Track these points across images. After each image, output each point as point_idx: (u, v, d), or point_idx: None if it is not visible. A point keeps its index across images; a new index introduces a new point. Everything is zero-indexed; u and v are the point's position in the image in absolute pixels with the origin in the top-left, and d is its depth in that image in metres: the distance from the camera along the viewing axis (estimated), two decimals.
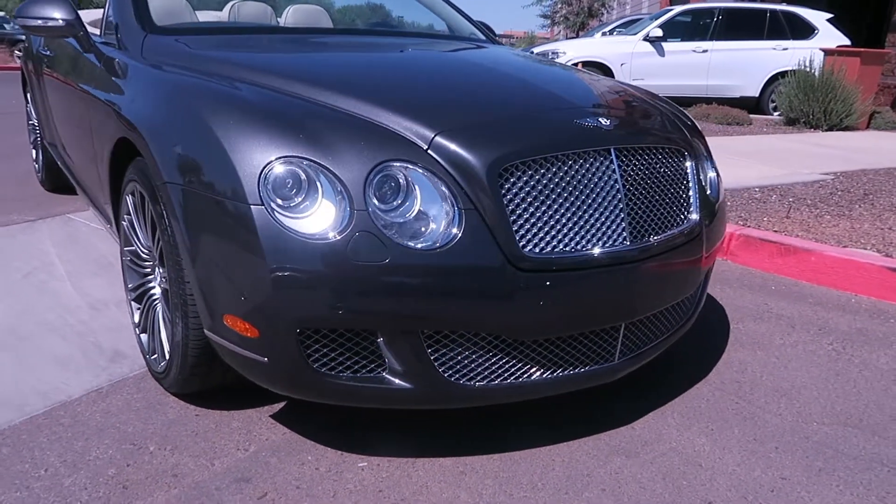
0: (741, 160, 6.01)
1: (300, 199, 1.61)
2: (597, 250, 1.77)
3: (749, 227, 3.83)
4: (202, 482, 1.74)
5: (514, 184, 1.71)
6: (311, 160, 1.61)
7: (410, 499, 1.72)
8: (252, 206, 1.59)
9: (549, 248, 1.72)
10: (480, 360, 1.74)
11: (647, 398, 2.23)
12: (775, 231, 3.77)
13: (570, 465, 1.88)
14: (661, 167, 2.00)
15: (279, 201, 1.60)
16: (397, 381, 1.69)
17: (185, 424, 1.98)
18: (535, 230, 1.71)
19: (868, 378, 2.43)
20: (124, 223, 2.22)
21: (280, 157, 1.61)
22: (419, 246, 1.61)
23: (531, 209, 1.71)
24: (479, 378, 1.75)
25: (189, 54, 2.18)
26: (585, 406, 2.17)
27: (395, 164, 1.65)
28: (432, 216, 1.65)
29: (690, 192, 2.08)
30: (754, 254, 3.59)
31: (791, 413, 2.19)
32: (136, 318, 2.24)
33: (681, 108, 2.61)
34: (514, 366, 1.78)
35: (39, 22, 2.55)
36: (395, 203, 1.65)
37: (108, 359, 2.32)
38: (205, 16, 3.23)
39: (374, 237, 1.58)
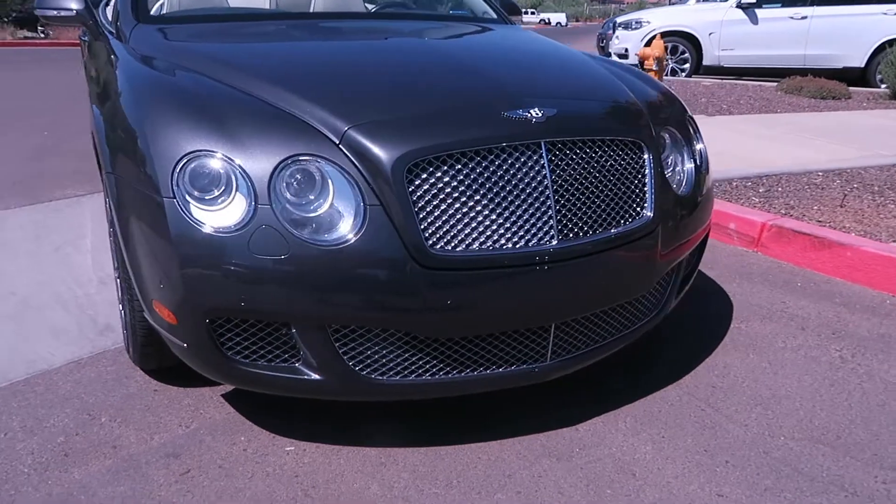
0: (816, 139, 5.55)
1: (218, 193, 1.65)
2: (517, 249, 1.71)
3: (788, 216, 3.55)
4: (136, 455, 1.86)
5: (424, 180, 1.67)
6: (223, 155, 1.65)
7: (321, 486, 1.76)
8: (165, 199, 1.65)
9: (461, 246, 1.68)
10: (393, 356, 1.74)
11: (605, 400, 2.15)
12: (818, 222, 3.48)
13: (494, 464, 1.86)
14: (606, 161, 1.89)
15: (196, 194, 1.65)
16: (310, 372, 1.73)
17: (142, 398, 2.11)
18: (446, 227, 1.67)
19: (866, 391, 2.22)
20: (106, 206, 2.36)
21: (194, 152, 1.66)
22: (321, 241, 1.62)
23: (443, 206, 1.68)
24: (392, 373, 1.75)
25: (161, 45, 2.26)
26: (533, 405, 2.12)
27: (304, 158, 1.66)
28: (338, 211, 1.65)
29: (646, 188, 1.96)
30: (786, 246, 3.33)
31: (760, 424, 2.05)
32: (119, 295, 2.39)
33: (670, 95, 2.44)
34: (430, 363, 1.77)
35: (54, 12, 2.73)
36: (303, 197, 1.66)
37: (98, 332, 2.50)
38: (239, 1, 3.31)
39: (275, 232, 1.60)
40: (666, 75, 10.43)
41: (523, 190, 1.74)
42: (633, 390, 2.21)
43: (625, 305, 2.00)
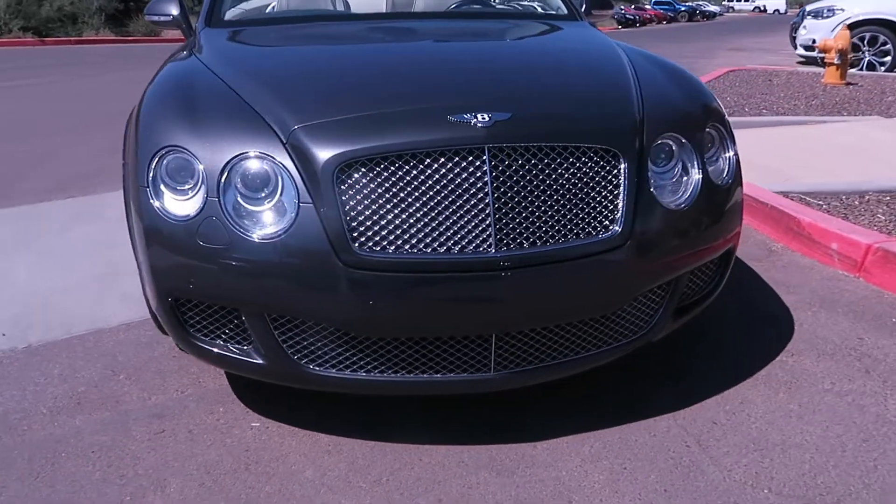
0: None
1: (188, 186, 1.82)
2: (450, 255, 1.69)
3: None
4: (130, 411, 2.10)
5: (355, 181, 1.70)
6: (189, 151, 1.81)
7: (263, 462, 1.87)
8: (140, 188, 1.85)
9: (389, 249, 1.69)
10: (330, 350, 1.80)
11: (585, 418, 2.03)
12: None
13: (430, 468, 1.85)
14: (567, 169, 1.78)
15: (171, 185, 1.83)
16: (257, 356, 1.84)
17: (159, 362, 2.37)
18: (375, 229, 1.69)
19: None
20: None
21: (168, 146, 1.84)
22: (256, 234, 1.72)
23: (373, 207, 1.69)
24: (330, 366, 1.81)
25: (207, 46, 2.49)
26: (509, 411, 2.06)
27: (252, 155, 1.77)
28: (283, 207, 1.74)
29: (617, 200, 1.81)
30: (893, 274, 2.85)
31: (746, 473, 1.82)
32: None
33: (700, 99, 2.21)
34: (367, 360, 1.80)
35: (157, 17, 3.11)
36: (254, 192, 1.77)
37: None
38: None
39: (219, 223, 1.73)
40: (860, 69, 9.20)
41: (461, 196, 1.70)
42: (622, 412, 2.07)
43: (591, 323, 1.87)
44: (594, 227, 1.79)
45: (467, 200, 1.70)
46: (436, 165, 1.71)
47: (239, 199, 1.77)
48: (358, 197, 1.70)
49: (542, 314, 1.77)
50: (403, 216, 1.70)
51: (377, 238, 1.69)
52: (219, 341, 1.88)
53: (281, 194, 1.75)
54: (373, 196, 1.70)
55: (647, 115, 1.97)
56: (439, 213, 1.70)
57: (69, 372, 2.32)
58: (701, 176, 1.98)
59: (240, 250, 1.72)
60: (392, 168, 1.71)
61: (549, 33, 2.72)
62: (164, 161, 1.84)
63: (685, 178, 1.98)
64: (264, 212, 1.75)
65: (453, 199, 1.70)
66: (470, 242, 1.70)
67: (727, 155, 2.12)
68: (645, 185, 1.86)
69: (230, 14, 2.96)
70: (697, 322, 2.51)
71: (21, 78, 10.56)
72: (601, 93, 2.04)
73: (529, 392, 2.13)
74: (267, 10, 3.33)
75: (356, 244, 1.68)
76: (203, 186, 1.77)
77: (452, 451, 1.91)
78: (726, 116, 2.24)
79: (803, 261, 3.22)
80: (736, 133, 2.31)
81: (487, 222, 1.70)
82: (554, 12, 3.14)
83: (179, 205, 1.80)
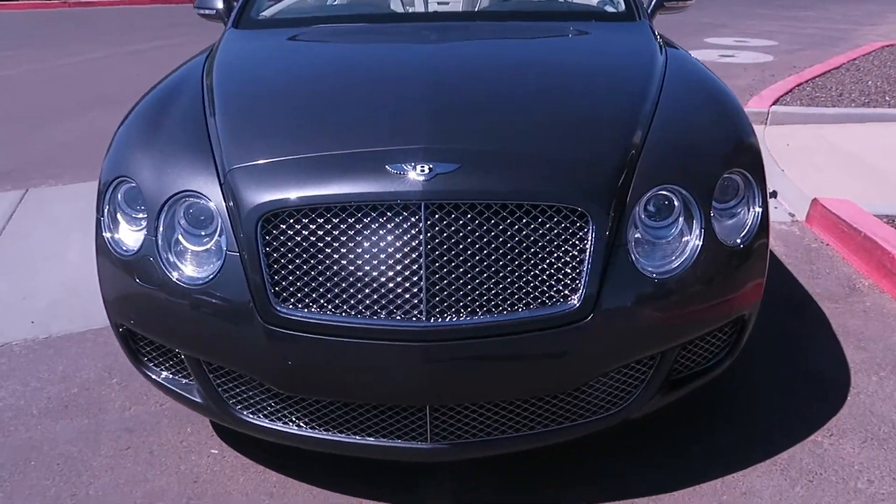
0: None
1: (141, 216, 1.78)
2: (374, 320, 1.52)
3: None
4: (106, 422, 2.14)
5: (281, 232, 1.57)
6: (137, 183, 1.75)
7: (206, 498, 1.84)
8: (97, 216, 1.82)
9: (312, 307, 1.55)
10: (261, 400, 1.71)
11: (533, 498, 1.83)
12: None
13: None
14: (519, 231, 1.54)
15: (127, 212, 1.79)
16: (197, 396, 1.79)
17: None
18: (298, 285, 1.56)
19: None
20: None
21: (119, 177, 1.80)
22: (183, 280, 1.64)
23: (296, 262, 1.56)
24: (262, 415, 1.73)
25: (222, 51, 2.40)
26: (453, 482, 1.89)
27: (189, 195, 1.68)
28: (206, 253, 1.66)
29: (581, 267, 1.54)
30: None
31: None
32: None
33: (738, 140, 1.86)
34: (297, 414, 1.69)
35: (205, 10, 3.09)
36: (195, 232, 1.69)
37: None
38: None
39: (153, 262, 1.67)
40: None
41: (391, 256, 1.52)
42: (590, 489, 1.84)
43: (548, 399, 1.64)
44: (548, 298, 1.55)
45: (398, 262, 1.52)
46: (366, 221, 1.54)
47: (181, 237, 1.70)
48: (281, 250, 1.57)
49: (480, 391, 1.57)
50: (328, 274, 1.55)
51: (299, 295, 1.56)
52: (165, 374, 1.86)
53: (219, 236, 1.66)
54: (297, 250, 1.56)
55: (643, 163, 1.67)
56: (366, 275, 1.53)
57: (72, 370, 2.41)
58: (701, 238, 1.65)
59: (169, 293, 1.65)
60: (319, 221, 1.56)
61: (578, 43, 2.40)
62: (120, 191, 1.80)
63: (684, 238, 1.67)
64: (201, 253, 1.68)
65: (382, 260, 1.53)
66: (398, 308, 1.53)
67: (752, 209, 1.77)
68: (621, 250, 1.58)
69: (269, 11, 2.88)
70: (724, 377, 2.18)
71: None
72: (586, 135, 1.75)
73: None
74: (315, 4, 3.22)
75: (277, 300, 1.57)
76: (146, 222, 1.72)
77: None
78: (761, 159, 1.87)
79: (892, 306, 2.72)
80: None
81: (419, 287, 1.52)
82: (612, 10, 2.78)
83: (133, 236, 1.76)
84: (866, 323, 2.60)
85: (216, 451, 2.02)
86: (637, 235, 1.64)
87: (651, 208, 1.68)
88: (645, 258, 1.63)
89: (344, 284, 1.54)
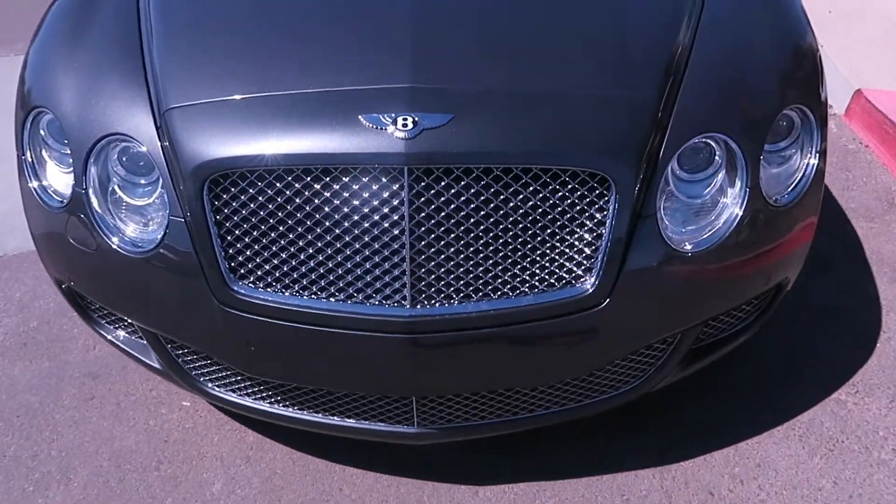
0: None
1: (49, 157, 1.47)
2: (349, 305, 1.28)
3: None
4: (68, 364, 1.96)
5: (233, 197, 1.28)
6: (58, 118, 1.42)
7: (176, 463, 1.70)
8: (17, 154, 1.52)
9: (275, 287, 1.30)
10: (226, 375, 1.51)
11: (535, 469, 1.69)
12: None
13: (342, 498, 1.62)
14: (525, 201, 1.25)
15: (55, 149, 1.49)
16: (157, 362, 1.59)
17: None
18: (257, 261, 1.30)
19: None
20: None
21: (38, 108, 1.46)
22: (123, 246, 1.37)
23: (254, 233, 1.29)
24: (229, 389, 1.54)
25: None
26: (443, 450, 1.74)
27: (120, 139, 1.37)
28: (151, 207, 1.38)
29: (598, 243, 1.27)
30: None
31: None
32: None
33: (794, 27, 1.50)
34: (268, 393, 1.50)
35: None
36: (131, 175, 1.40)
37: None
38: None
39: (85, 222, 1.39)
40: None
41: (369, 231, 1.25)
42: (588, 459, 1.69)
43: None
44: (557, 279, 1.29)
45: (377, 238, 1.25)
46: (336, 187, 1.25)
47: (117, 187, 1.41)
48: (235, 218, 1.29)
49: (475, 383, 1.37)
50: (292, 250, 1.28)
51: (259, 273, 1.31)
52: (120, 333, 1.64)
53: (163, 188, 1.36)
54: (253, 220, 1.28)
55: (681, 105, 1.34)
56: (337, 252, 1.27)
57: (29, 298, 2.20)
58: (744, 198, 1.36)
59: (107, 261, 1.39)
60: (278, 186, 1.26)
61: None
62: (41, 124, 1.48)
63: (723, 199, 1.38)
64: (145, 208, 1.40)
65: (359, 235, 1.25)
66: (377, 293, 1.28)
67: (807, 156, 1.46)
68: (648, 220, 1.30)
69: None
70: None
71: None
72: (609, 73, 1.39)
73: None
74: None
75: (234, 276, 1.31)
76: (70, 167, 1.42)
77: (380, 484, 1.66)
78: (824, 85, 1.53)
79: None
80: None
81: (402, 269, 1.26)
82: None
83: (63, 179, 1.47)
84: None
85: (187, 404, 1.86)
86: (667, 200, 1.35)
87: (685, 160, 1.38)
88: (675, 226, 1.35)
89: (312, 263, 1.28)
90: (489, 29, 1.46)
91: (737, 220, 1.36)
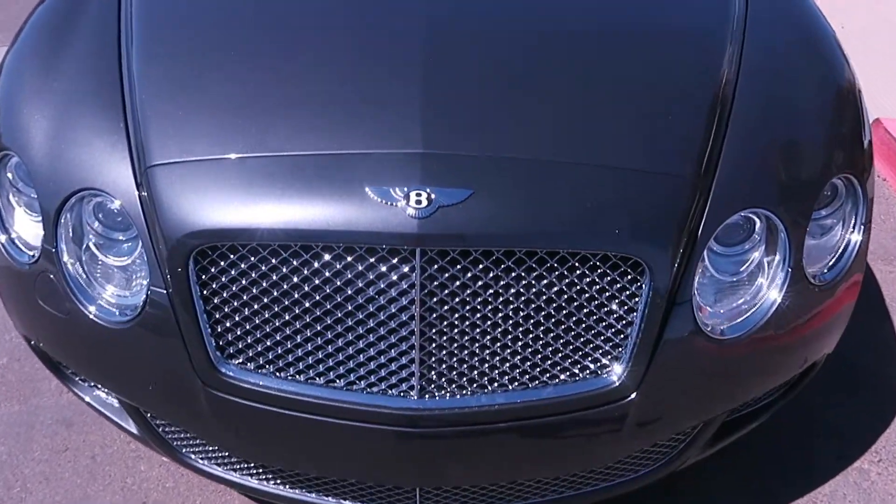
0: None
1: (18, 203, 1.33)
2: (349, 393, 1.16)
3: None
4: (39, 409, 1.83)
5: (222, 271, 1.14)
6: (24, 164, 1.27)
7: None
8: None
9: (267, 370, 1.17)
10: (210, 449, 1.38)
11: None
12: None
13: None
14: (550, 286, 1.12)
15: (25, 195, 1.34)
16: (135, 428, 1.45)
17: None
18: (249, 340, 1.17)
19: None
20: None
21: (2, 151, 1.31)
22: (99, 315, 1.23)
23: (245, 311, 1.15)
24: (214, 463, 1.41)
25: None
26: None
27: (95, 195, 1.23)
28: (120, 276, 1.25)
29: (627, 331, 1.15)
30: None
31: None
32: None
33: (843, 92, 1.37)
34: (256, 470, 1.38)
35: None
36: (109, 231, 1.26)
37: None
38: None
39: (56, 284, 1.25)
40: None
41: (374, 315, 1.12)
42: None
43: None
44: (581, 370, 1.17)
45: (383, 323, 1.12)
46: (339, 266, 1.11)
47: (92, 245, 1.27)
48: (224, 294, 1.15)
49: (487, 476, 1.25)
50: (287, 331, 1.15)
51: (250, 353, 1.18)
52: (96, 393, 1.50)
53: (143, 247, 1.22)
54: (245, 297, 1.14)
55: (721, 178, 1.21)
56: (339, 336, 1.14)
57: (1, 325, 2.05)
58: (786, 278, 1.25)
59: (81, 328, 1.25)
60: (273, 262, 1.12)
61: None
62: (7, 167, 1.33)
63: (759, 279, 1.26)
64: (125, 269, 1.26)
65: (363, 319, 1.12)
66: (382, 381, 1.15)
67: (851, 230, 1.34)
68: (683, 307, 1.18)
69: None
70: None
71: None
72: (647, 143, 1.24)
73: None
74: None
75: (221, 356, 1.18)
76: (41, 225, 1.27)
77: None
78: (870, 159, 1.40)
79: None
80: None
81: (409, 357, 1.13)
82: None
83: (33, 228, 1.32)
84: None
85: (168, 461, 1.73)
86: (701, 280, 1.23)
87: (722, 236, 1.26)
88: (707, 305, 1.23)
89: (310, 346, 1.15)
90: (509, 88, 1.31)
91: (775, 305, 1.24)
